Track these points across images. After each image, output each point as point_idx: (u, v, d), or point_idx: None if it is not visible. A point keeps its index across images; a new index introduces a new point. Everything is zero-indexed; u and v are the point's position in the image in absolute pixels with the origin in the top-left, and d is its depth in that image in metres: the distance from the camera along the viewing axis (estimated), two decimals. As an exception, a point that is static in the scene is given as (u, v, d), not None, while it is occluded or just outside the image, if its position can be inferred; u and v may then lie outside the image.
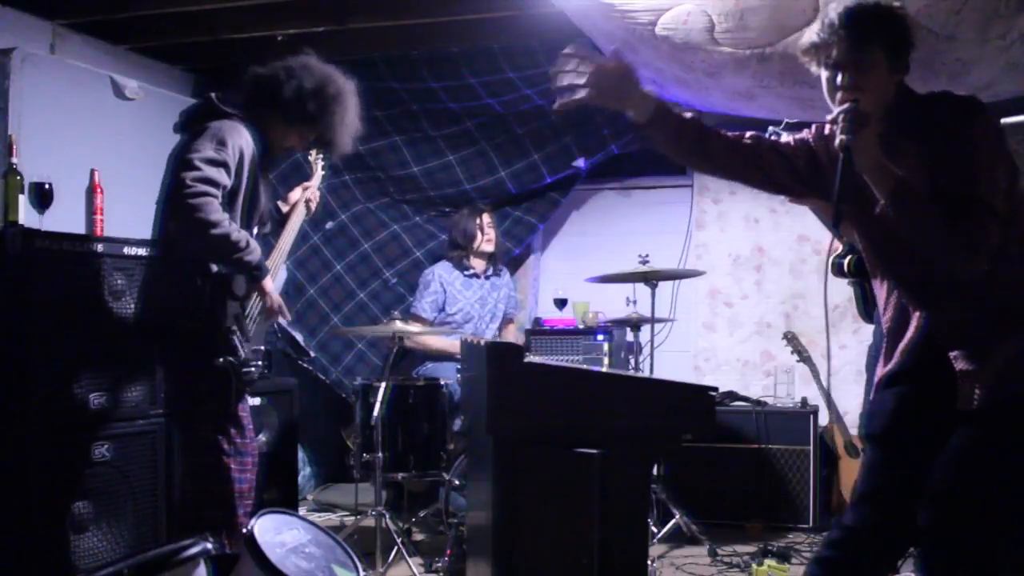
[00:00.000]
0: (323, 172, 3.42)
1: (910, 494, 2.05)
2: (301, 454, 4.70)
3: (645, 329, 4.25)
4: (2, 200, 3.19)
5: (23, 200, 3.19)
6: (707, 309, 5.09)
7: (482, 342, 2.50)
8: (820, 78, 2.08)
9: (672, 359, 4.85)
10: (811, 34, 2.05)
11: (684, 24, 3.69)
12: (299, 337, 4.89)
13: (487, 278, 4.68)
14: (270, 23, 4.33)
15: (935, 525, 1.99)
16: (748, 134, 2.26)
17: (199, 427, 2.79)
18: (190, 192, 2.55)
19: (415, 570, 3.41)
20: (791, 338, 4.42)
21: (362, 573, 2.80)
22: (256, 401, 3.89)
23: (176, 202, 2.58)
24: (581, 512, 2.22)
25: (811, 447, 4.28)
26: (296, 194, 3.27)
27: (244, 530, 2.67)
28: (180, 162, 2.64)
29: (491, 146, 4.95)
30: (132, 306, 3.07)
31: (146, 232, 2.95)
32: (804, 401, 4.50)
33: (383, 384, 3.59)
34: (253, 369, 2.82)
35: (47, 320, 2.85)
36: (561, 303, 4.62)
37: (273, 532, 2.61)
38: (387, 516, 3.51)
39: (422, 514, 4.16)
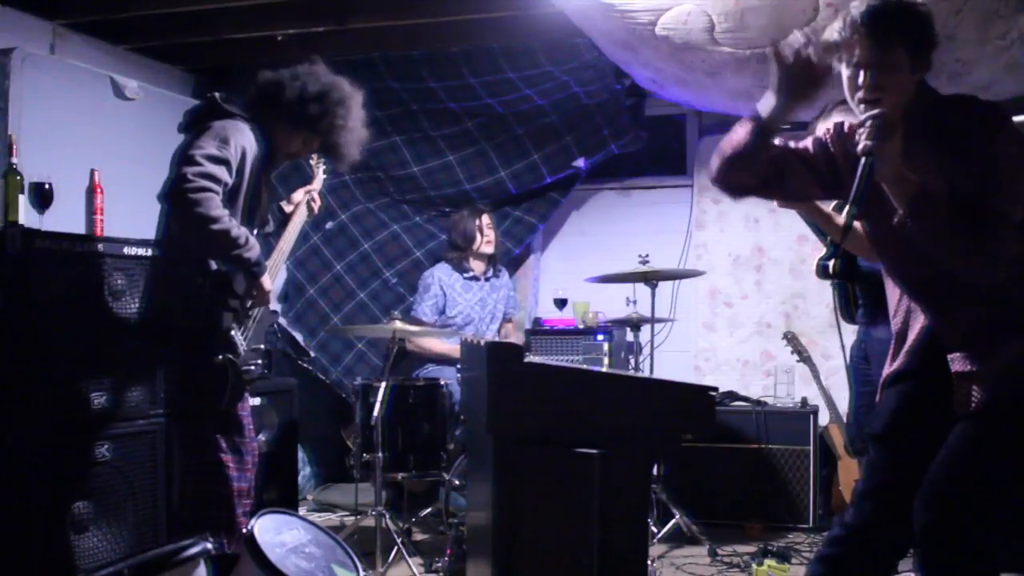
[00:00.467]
0: (324, 176, 3.43)
1: (911, 492, 2.06)
2: (301, 454, 4.70)
3: (645, 329, 4.25)
4: (2, 200, 3.19)
5: (23, 200, 3.19)
6: (707, 309, 5.09)
7: (482, 342, 2.50)
8: (840, 75, 2.05)
9: (672, 359, 4.85)
10: (832, 32, 2.02)
11: (684, 24, 3.69)
12: (299, 337, 4.91)
13: (486, 280, 4.68)
14: (270, 23, 4.33)
15: (934, 524, 1.99)
16: (776, 144, 2.21)
17: (198, 426, 2.80)
18: (191, 187, 2.55)
19: (415, 570, 3.41)
20: (791, 338, 4.42)
21: (362, 573, 2.80)
22: (256, 401, 3.89)
23: (177, 197, 2.59)
24: (581, 512, 2.23)
25: (811, 447, 4.28)
26: (299, 195, 3.27)
27: (243, 530, 2.67)
28: (182, 158, 2.64)
29: (491, 146, 4.95)
30: (132, 306, 3.07)
31: (146, 232, 2.96)
32: (804, 401, 4.49)
33: (383, 384, 3.59)
34: (253, 368, 2.83)
35: (47, 320, 2.85)
36: (561, 303, 4.62)
37: (273, 532, 2.61)
38: (387, 516, 3.51)
39: (422, 514, 4.16)
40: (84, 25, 4.30)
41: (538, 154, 4.91)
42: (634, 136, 4.91)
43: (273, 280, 2.92)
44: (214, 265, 2.77)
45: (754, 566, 3.53)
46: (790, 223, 4.95)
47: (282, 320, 4.93)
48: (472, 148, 4.97)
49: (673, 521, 3.90)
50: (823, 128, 3.41)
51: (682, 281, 4.85)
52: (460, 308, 4.58)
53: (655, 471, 3.94)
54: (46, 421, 2.82)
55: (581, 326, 4.68)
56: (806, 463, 4.28)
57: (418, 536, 4.17)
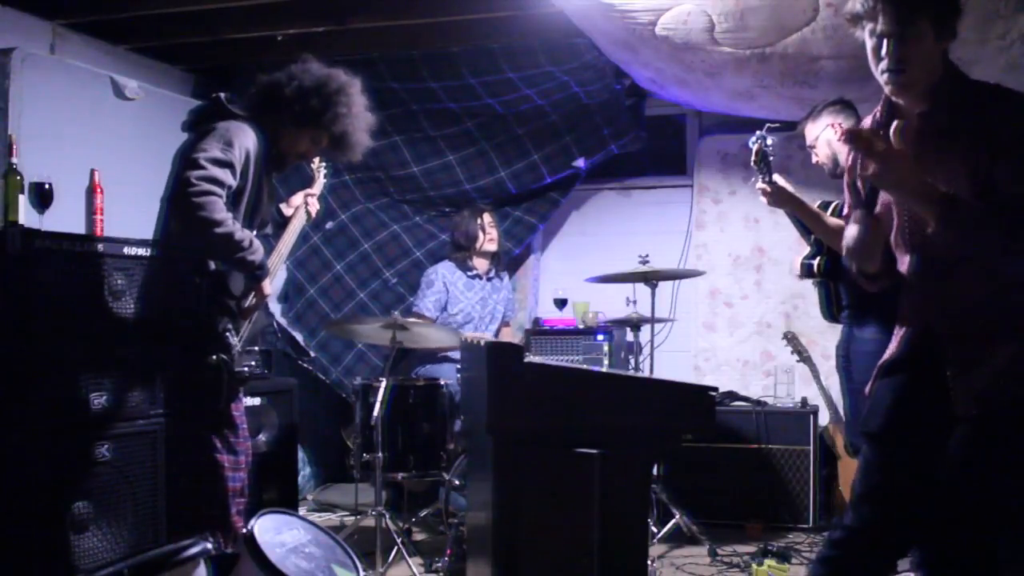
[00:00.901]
0: (324, 180, 3.43)
1: (909, 493, 2.05)
2: (301, 454, 4.70)
3: (645, 329, 4.25)
4: (2, 200, 3.19)
5: (23, 200, 3.19)
6: (707, 309, 5.09)
7: (482, 342, 2.50)
8: (865, 45, 2.02)
9: (672, 359, 4.85)
10: (855, 3, 1.99)
11: (684, 24, 3.69)
12: (299, 337, 4.91)
13: (488, 279, 4.68)
14: (270, 23, 4.33)
15: (938, 529, 1.98)
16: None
17: (193, 425, 2.80)
18: (194, 191, 2.55)
19: (415, 570, 3.41)
20: (791, 338, 4.42)
21: (362, 573, 2.80)
22: (256, 401, 3.89)
23: (180, 200, 2.59)
24: (581, 512, 2.23)
25: (811, 447, 4.28)
26: (298, 198, 3.27)
27: (240, 529, 2.67)
28: (186, 161, 2.64)
29: (491, 146, 4.95)
30: (132, 306, 3.07)
31: (146, 232, 2.96)
32: (804, 401, 4.50)
33: (383, 384, 3.59)
34: (246, 368, 2.82)
35: (47, 320, 2.85)
36: (561, 303, 4.62)
37: (273, 532, 2.61)
38: (387, 516, 3.51)
39: (422, 514, 4.16)
40: (84, 25, 4.30)
41: (538, 154, 4.91)
42: (634, 136, 4.91)
43: (271, 282, 2.92)
44: (212, 265, 2.77)
45: (754, 566, 3.53)
46: (790, 223, 4.94)
47: (282, 320, 4.93)
48: (472, 148, 4.97)
49: (673, 521, 3.90)
50: (812, 130, 3.40)
51: (682, 281, 4.85)
52: (462, 306, 4.59)
53: (655, 471, 3.94)
54: (46, 421, 2.82)
55: (581, 326, 4.68)
56: (806, 463, 4.28)
57: (418, 536, 4.17)
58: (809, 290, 4.91)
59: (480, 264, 4.65)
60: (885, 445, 2.14)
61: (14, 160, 3.25)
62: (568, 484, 2.25)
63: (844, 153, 3.26)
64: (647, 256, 4.03)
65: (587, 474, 2.21)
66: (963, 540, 1.97)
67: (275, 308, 4.91)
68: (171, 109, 4.16)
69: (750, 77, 3.99)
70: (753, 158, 2.76)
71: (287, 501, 3.98)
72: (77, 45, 4.32)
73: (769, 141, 2.76)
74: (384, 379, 3.61)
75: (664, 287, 4.38)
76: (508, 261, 5.01)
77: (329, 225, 5.03)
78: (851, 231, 2.08)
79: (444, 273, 4.61)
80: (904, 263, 2.13)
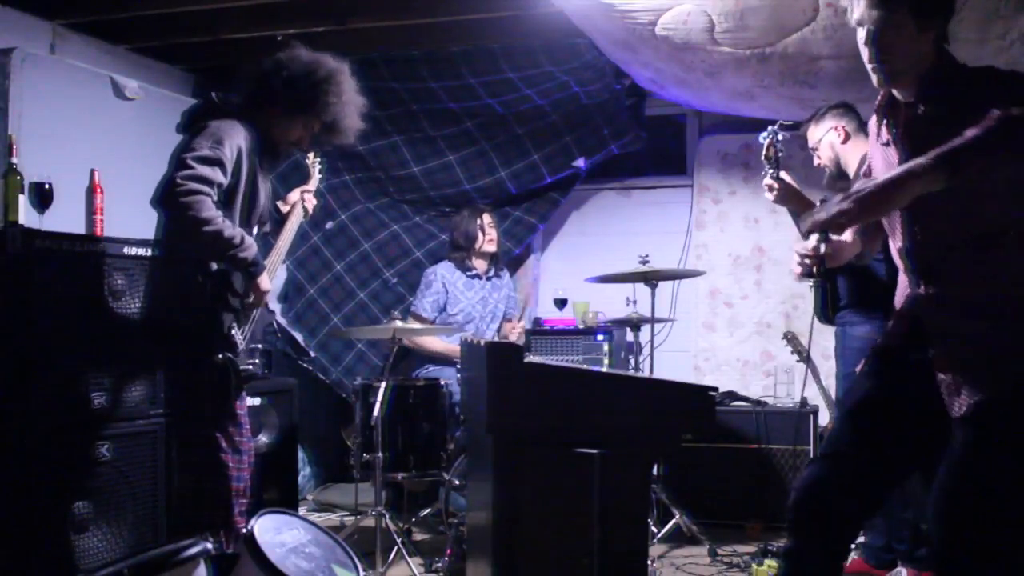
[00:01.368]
0: (320, 176, 3.44)
1: (869, 474, 2.06)
2: (301, 454, 4.69)
3: (645, 329, 4.25)
4: (2, 200, 3.19)
5: (23, 200, 3.19)
6: (707, 309, 5.09)
7: (482, 342, 2.50)
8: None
9: (672, 359, 4.86)
10: None
11: (684, 24, 3.69)
12: (299, 337, 4.91)
13: (488, 279, 4.68)
14: (270, 23, 4.33)
15: (949, 540, 1.97)
16: None
17: (198, 424, 2.80)
18: (181, 191, 2.55)
19: (415, 570, 3.41)
20: (791, 338, 4.42)
21: (362, 573, 2.80)
22: (256, 401, 3.89)
23: (168, 201, 2.59)
24: (581, 512, 2.22)
25: (811, 447, 4.27)
26: (295, 195, 3.28)
27: (241, 529, 2.67)
28: (175, 161, 2.65)
29: (491, 146, 4.95)
30: (132, 306, 3.08)
31: (146, 232, 2.96)
32: (804, 401, 4.49)
33: (383, 384, 3.59)
34: (251, 366, 2.83)
35: (47, 320, 2.85)
36: (561, 303, 4.62)
37: (273, 532, 2.61)
38: (387, 516, 3.51)
39: (422, 514, 4.16)
40: (84, 25, 4.30)
41: (538, 154, 4.91)
42: (634, 136, 4.91)
43: (271, 280, 2.92)
44: (215, 265, 2.77)
45: (754, 566, 3.53)
46: (790, 223, 4.92)
47: (282, 320, 4.93)
48: (472, 148, 4.97)
49: (673, 521, 3.90)
50: (815, 133, 3.41)
51: (682, 281, 4.85)
52: (462, 306, 4.58)
53: (655, 471, 3.94)
54: (46, 421, 2.82)
55: (581, 326, 4.68)
56: (806, 463, 4.27)
57: (418, 536, 4.17)
58: (809, 290, 4.92)
59: (479, 264, 4.64)
60: (857, 424, 2.13)
61: (14, 160, 3.25)
62: (568, 484, 2.25)
63: (847, 157, 3.28)
64: (647, 256, 4.02)
65: (587, 474, 2.21)
66: (963, 540, 1.97)
67: (275, 308, 4.91)
68: (171, 109, 4.15)
69: (750, 77, 3.99)
70: (764, 153, 2.83)
71: (287, 501, 3.98)
72: (77, 45, 4.32)
73: (780, 137, 2.82)
74: (384, 379, 3.61)
75: (664, 287, 4.38)
76: (508, 261, 5.01)
77: (329, 225, 5.03)
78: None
79: (443, 273, 4.61)
80: (897, 247, 2.13)
